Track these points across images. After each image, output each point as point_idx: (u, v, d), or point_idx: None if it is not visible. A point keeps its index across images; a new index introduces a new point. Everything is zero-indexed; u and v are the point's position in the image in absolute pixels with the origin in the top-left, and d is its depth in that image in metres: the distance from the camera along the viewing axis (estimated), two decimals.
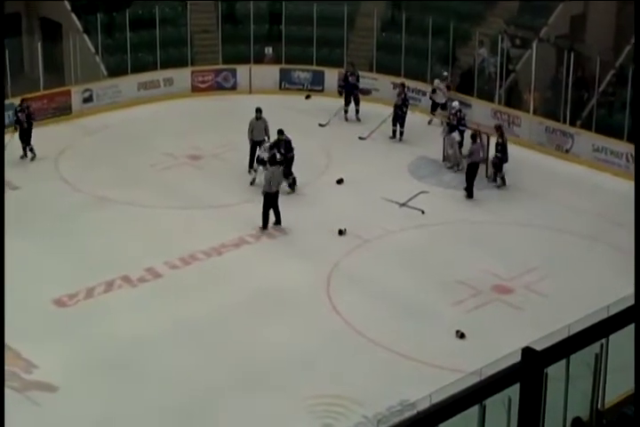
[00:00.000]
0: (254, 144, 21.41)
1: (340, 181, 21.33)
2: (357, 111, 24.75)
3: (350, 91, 24.77)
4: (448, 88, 24.36)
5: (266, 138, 21.27)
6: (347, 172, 21.59)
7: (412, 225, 19.38)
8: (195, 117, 24.87)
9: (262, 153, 20.57)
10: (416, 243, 18.69)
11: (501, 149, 21.20)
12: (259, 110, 21.57)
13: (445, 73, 24.64)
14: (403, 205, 20.23)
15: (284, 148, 20.40)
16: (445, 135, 22.28)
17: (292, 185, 20.63)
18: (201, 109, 25.24)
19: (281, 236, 18.90)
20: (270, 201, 19.02)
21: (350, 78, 24.83)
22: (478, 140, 20.99)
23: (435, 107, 24.38)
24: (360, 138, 23.40)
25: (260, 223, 18.93)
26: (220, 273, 17.40)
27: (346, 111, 24.82)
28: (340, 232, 18.83)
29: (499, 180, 21.23)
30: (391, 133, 23.60)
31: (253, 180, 20.90)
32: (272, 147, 20.36)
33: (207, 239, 18.52)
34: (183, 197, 20.45)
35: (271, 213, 19.02)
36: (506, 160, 21.20)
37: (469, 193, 20.73)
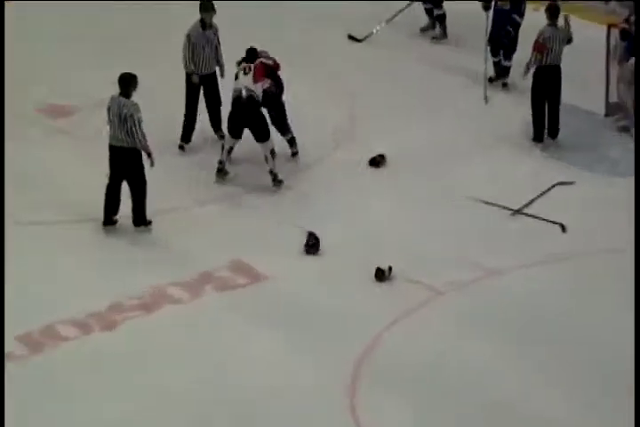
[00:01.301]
0: (200, 83, 20.16)
1: (376, 162, 20.05)
2: (439, 23, 24.70)
3: None
4: None
5: (217, 68, 20.24)
6: (391, 143, 20.25)
7: (535, 258, 17.65)
8: (65, 27, 24.47)
9: (241, 83, 19.86)
10: (539, 296, 16.88)
11: None
12: (206, 7, 20.23)
13: None
14: (517, 212, 18.59)
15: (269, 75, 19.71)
16: (618, 61, 20.60)
17: (292, 144, 20.40)
18: (79, 10, 24.99)
19: (253, 283, 17.09)
20: (118, 165, 18.03)
21: None
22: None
23: None
24: None
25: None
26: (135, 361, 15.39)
27: (429, 13, 24.78)
28: (381, 274, 17.12)
29: None
30: (492, 71, 22.91)
31: (222, 165, 19.83)
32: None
33: (102, 291, 17.21)
34: (51, 203, 18.94)
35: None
36: None
37: (538, 135, 20.58)
